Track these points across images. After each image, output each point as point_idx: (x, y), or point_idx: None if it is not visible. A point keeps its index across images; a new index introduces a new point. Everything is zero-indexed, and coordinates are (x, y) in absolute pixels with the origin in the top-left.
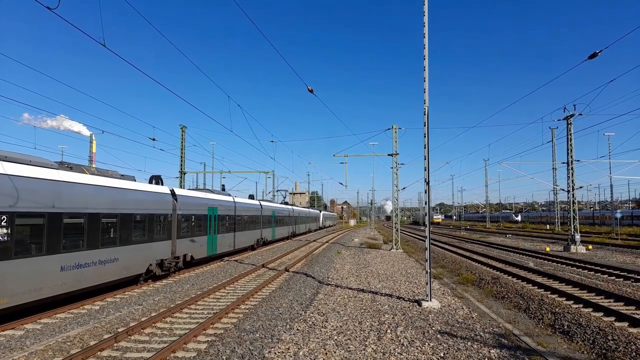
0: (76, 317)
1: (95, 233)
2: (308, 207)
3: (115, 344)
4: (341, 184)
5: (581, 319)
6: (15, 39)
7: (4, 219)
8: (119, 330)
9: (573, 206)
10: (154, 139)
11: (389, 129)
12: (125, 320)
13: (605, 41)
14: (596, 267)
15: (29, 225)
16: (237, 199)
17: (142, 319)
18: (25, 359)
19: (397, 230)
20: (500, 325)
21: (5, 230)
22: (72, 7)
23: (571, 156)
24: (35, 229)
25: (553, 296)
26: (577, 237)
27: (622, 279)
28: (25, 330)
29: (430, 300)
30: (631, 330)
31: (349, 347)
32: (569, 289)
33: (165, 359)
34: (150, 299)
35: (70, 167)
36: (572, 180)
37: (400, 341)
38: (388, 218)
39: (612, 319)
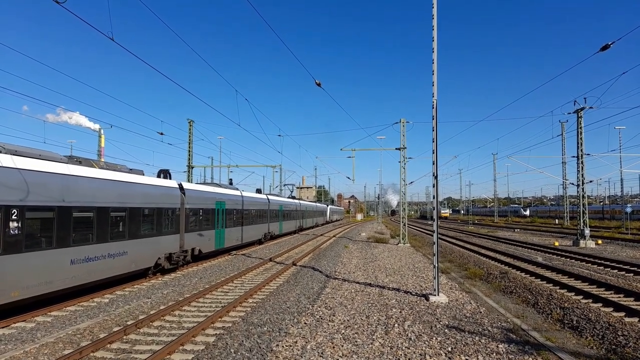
0: (86, 309)
1: (104, 227)
2: (315, 202)
3: (124, 337)
4: (348, 178)
5: (590, 314)
6: (23, 33)
7: (14, 212)
8: (128, 323)
9: (582, 200)
10: (162, 133)
11: (396, 122)
12: (135, 313)
13: (616, 33)
14: (606, 262)
15: (39, 219)
16: (244, 193)
17: (151, 312)
18: (36, 351)
19: (404, 225)
20: (509, 320)
21: (16, 224)
22: (80, 0)
23: (581, 150)
24: (45, 223)
25: (562, 291)
26: (587, 231)
27: (632, 274)
28: (36, 322)
29: (438, 295)
30: None
31: (356, 341)
32: (578, 284)
33: (174, 351)
34: (159, 292)
35: (79, 161)
36: (582, 174)
37: (407, 335)
38: (393, 212)
39: (622, 314)
